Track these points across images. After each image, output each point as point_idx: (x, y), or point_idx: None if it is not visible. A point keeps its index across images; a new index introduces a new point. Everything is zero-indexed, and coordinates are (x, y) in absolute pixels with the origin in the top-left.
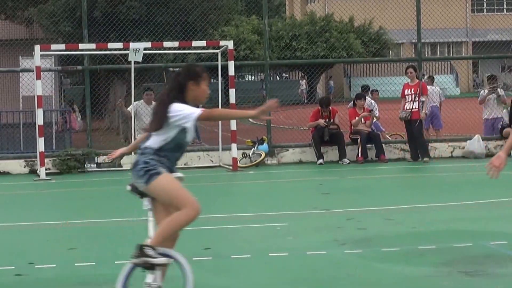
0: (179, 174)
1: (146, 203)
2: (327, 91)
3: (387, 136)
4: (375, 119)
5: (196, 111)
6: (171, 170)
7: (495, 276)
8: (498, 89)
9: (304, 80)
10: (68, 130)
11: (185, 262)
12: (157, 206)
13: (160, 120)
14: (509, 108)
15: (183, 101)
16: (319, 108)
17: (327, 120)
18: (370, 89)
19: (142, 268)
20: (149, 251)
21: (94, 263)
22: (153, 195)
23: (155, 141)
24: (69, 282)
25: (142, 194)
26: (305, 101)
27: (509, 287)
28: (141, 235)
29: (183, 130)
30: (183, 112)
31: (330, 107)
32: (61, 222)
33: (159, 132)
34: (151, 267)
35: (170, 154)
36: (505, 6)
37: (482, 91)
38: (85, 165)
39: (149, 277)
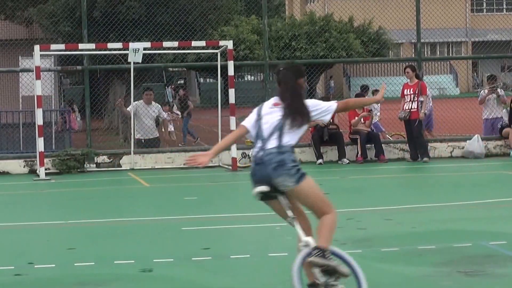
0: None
1: (285, 201)
2: (327, 91)
3: (387, 136)
4: (375, 119)
5: (333, 104)
6: None
7: (494, 276)
8: (498, 89)
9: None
10: (68, 130)
11: (354, 262)
12: (278, 204)
13: (307, 115)
14: (508, 108)
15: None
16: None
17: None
18: (371, 90)
19: (323, 270)
20: (329, 254)
21: (93, 263)
22: (298, 195)
23: (292, 138)
24: (68, 282)
25: (271, 197)
26: None
27: (508, 287)
28: (139, 235)
29: None
30: (321, 106)
31: None
32: (61, 222)
33: (298, 129)
34: (333, 272)
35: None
36: (504, 6)
37: (482, 91)
38: (85, 165)
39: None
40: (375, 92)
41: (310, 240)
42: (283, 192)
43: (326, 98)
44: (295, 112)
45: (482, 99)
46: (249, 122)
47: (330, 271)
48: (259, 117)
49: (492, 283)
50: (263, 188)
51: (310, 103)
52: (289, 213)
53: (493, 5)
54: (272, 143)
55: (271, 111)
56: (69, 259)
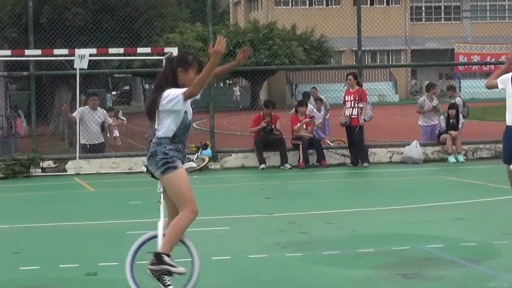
0: (193, 164)
1: (159, 186)
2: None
3: (327, 141)
4: (316, 124)
5: (180, 92)
6: (184, 157)
7: (431, 279)
8: (434, 98)
9: (238, 87)
10: (14, 135)
11: (196, 254)
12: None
13: (151, 105)
14: (446, 115)
15: (176, 86)
16: (261, 114)
17: (268, 124)
18: (311, 97)
19: (157, 275)
20: (167, 259)
21: (38, 267)
22: (164, 185)
23: (167, 130)
24: (14, 286)
25: (153, 177)
26: (240, 107)
27: None
28: (84, 239)
29: (183, 112)
30: (170, 96)
31: (272, 113)
32: (6, 226)
33: (162, 119)
34: (169, 274)
35: (183, 137)
36: (442, 16)
37: (421, 99)
38: (30, 170)
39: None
40: (317, 101)
41: (161, 228)
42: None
43: (271, 101)
44: (146, 102)
45: (420, 107)
46: None
47: (165, 274)
48: None
49: (429, 285)
50: (143, 168)
51: (167, 92)
52: (162, 196)
53: (431, 15)
54: (156, 132)
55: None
56: (14, 263)
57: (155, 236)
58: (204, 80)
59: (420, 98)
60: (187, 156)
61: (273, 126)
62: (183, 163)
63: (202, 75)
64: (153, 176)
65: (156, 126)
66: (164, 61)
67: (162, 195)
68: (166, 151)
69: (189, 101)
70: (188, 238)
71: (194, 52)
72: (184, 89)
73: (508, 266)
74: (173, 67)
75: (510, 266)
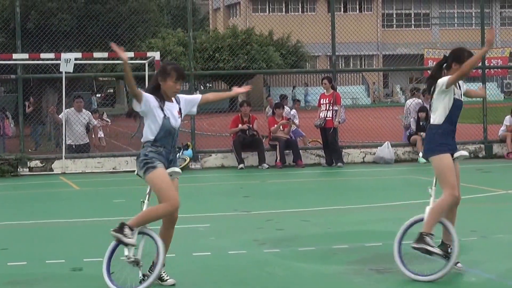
0: (176, 169)
1: (147, 196)
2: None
3: (307, 142)
4: (293, 127)
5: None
6: (169, 161)
7: (403, 273)
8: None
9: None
10: (2, 136)
11: (160, 242)
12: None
13: (131, 108)
14: (416, 117)
15: (157, 94)
16: (239, 115)
17: (248, 131)
18: (290, 98)
19: (120, 244)
20: (126, 230)
21: (25, 263)
22: (148, 185)
23: (148, 131)
24: (2, 281)
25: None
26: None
27: (415, 283)
28: (70, 236)
29: (165, 117)
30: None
31: (250, 114)
32: None
33: (146, 120)
34: (124, 245)
35: (165, 141)
36: (413, 22)
37: (409, 102)
38: (18, 169)
39: (126, 251)
40: (295, 101)
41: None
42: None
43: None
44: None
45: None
46: None
47: (121, 242)
48: None
49: (400, 279)
50: (136, 172)
51: (145, 96)
52: (146, 196)
53: (402, 22)
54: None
55: None
56: (2, 258)
57: None
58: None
59: (408, 101)
60: (177, 161)
61: (251, 126)
62: (166, 168)
63: (217, 96)
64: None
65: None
66: (146, 65)
67: (147, 196)
68: (147, 153)
69: (172, 108)
70: (150, 229)
71: (174, 62)
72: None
73: (476, 261)
74: (155, 76)
75: (478, 262)
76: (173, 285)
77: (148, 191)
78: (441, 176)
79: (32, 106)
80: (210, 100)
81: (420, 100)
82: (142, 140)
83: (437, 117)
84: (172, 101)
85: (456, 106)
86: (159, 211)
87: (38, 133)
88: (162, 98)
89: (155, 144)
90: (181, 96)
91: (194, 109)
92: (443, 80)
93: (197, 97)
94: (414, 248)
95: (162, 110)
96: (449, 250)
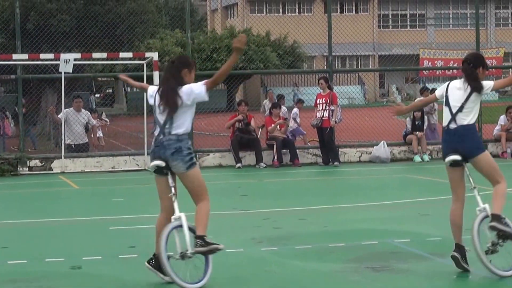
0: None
1: (171, 180)
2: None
3: (307, 142)
4: (295, 125)
5: (203, 86)
6: None
7: (398, 271)
8: None
9: None
10: (2, 135)
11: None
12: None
13: (175, 99)
14: (412, 117)
15: (182, 84)
16: (236, 113)
17: (243, 121)
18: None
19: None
20: (208, 239)
21: (25, 261)
22: (185, 179)
23: (185, 125)
24: (2, 279)
25: (165, 172)
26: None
27: (411, 281)
28: (69, 234)
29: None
30: (195, 90)
31: (247, 114)
32: None
33: (180, 115)
34: (208, 252)
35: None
36: (408, 23)
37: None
38: (18, 168)
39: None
40: (298, 102)
41: (182, 215)
42: (173, 173)
43: (244, 100)
44: (165, 98)
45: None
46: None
47: (212, 252)
48: (155, 106)
49: (396, 277)
50: (159, 163)
51: (185, 88)
52: (173, 190)
53: (398, 22)
54: (171, 130)
55: (157, 100)
56: (2, 257)
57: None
58: (226, 72)
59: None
60: None
61: (247, 120)
62: None
63: (225, 68)
64: (159, 171)
65: (171, 124)
66: (145, 65)
67: (173, 188)
68: (189, 147)
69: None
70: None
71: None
72: (205, 82)
73: (470, 259)
74: (179, 68)
75: (472, 260)
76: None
77: (173, 183)
78: (494, 169)
79: (25, 108)
80: (217, 81)
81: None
82: (179, 132)
83: (473, 117)
84: None
85: None
86: (208, 210)
87: (31, 133)
88: None
89: (188, 136)
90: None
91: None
92: (489, 84)
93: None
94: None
95: None
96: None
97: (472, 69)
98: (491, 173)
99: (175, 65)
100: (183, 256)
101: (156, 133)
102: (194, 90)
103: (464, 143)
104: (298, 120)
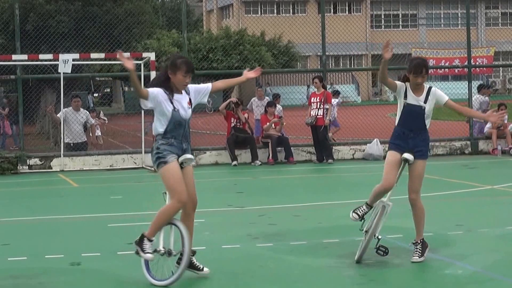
0: (188, 156)
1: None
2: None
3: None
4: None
5: (144, 93)
6: (182, 149)
7: (392, 266)
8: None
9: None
10: (2, 134)
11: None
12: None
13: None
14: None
15: (166, 86)
16: (232, 112)
17: (238, 120)
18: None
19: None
20: (145, 242)
21: (25, 258)
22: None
23: (158, 125)
24: (3, 275)
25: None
26: (212, 110)
27: (404, 276)
28: (69, 231)
29: (175, 110)
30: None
31: (242, 112)
32: None
33: (156, 114)
34: (137, 254)
35: (175, 133)
36: (400, 23)
37: (477, 97)
38: (18, 167)
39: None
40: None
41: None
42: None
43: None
44: None
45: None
46: None
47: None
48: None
49: (389, 272)
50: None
51: (150, 89)
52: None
53: (390, 22)
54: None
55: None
56: (3, 254)
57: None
58: (227, 87)
59: (475, 97)
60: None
61: (239, 103)
62: (179, 156)
63: (229, 84)
64: None
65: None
66: (142, 65)
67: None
68: (158, 146)
69: (181, 99)
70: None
71: (183, 56)
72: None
73: (462, 255)
74: (165, 68)
75: (464, 255)
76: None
77: None
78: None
79: (8, 107)
80: (220, 87)
81: (485, 97)
82: (153, 133)
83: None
84: (182, 93)
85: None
86: (170, 211)
87: (14, 131)
88: (172, 90)
89: (165, 136)
90: (191, 87)
91: (205, 99)
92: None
93: (207, 86)
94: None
95: (172, 102)
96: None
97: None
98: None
99: (166, 64)
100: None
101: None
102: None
103: None
104: (335, 111)
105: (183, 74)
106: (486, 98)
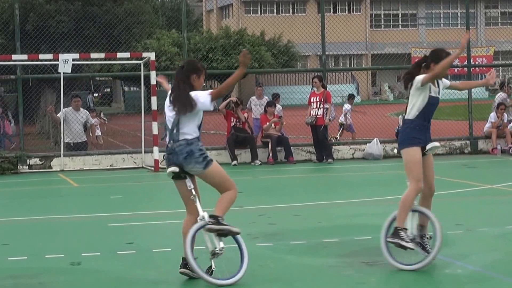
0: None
1: (189, 183)
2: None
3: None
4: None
5: (208, 96)
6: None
7: (392, 266)
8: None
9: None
10: (2, 134)
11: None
12: (196, 185)
13: (190, 104)
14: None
15: (192, 89)
16: (231, 111)
17: (237, 119)
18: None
19: (218, 235)
20: (222, 220)
21: (26, 257)
22: (205, 178)
23: (194, 129)
24: (3, 275)
25: (182, 177)
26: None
27: (404, 275)
28: (69, 231)
29: (201, 112)
30: (200, 98)
31: (242, 111)
32: None
33: (186, 121)
34: (224, 235)
35: (200, 135)
36: (400, 23)
37: (500, 96)
38: (18, 167)
39: (218, 244)
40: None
41: (206, 214)
42: (191, 175)
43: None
44: (177, 101)
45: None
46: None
47: (224, 234)
48: (166, 112)
49: (389, 271)
50: (174, 169)
51: (193, 94)
52: (193, 191)
53: (390, 22)
54: (179, 136)
55: (168, 106)
56: (3, 254)
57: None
58: (231, 84)
59: (498, 96)
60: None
61: (239, 103)
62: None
63: (231, 80)
64: (177, 176)
65: (178, 130)
66: (142, 65)
67: (193, 190)
68: (201, 147)
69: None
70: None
71: (196, 59)
72: (210, 92)
73: (461, 254)
74: (186, 74)
75: (464, 254)
76: None
77: (191, 186)
78: (406, 169)
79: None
80: (221, 92)
81: (505, 95)
82: (188, 138)
83: (411, 112)
84: None
85: (432, 103)
86: (232, 198)
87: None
88: None
89: (199, 140)
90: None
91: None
92: (419, 78)
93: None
94: (390, 242)
95: None
96: (425, 240)
97: (415, 64)
98: (406, 173)
99: (184, 70)
100: (213, 254)
101: (166, 139)
102: (199, 99)
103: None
104: (349, 116)
105: (203, 77)
106: (504, 95)
